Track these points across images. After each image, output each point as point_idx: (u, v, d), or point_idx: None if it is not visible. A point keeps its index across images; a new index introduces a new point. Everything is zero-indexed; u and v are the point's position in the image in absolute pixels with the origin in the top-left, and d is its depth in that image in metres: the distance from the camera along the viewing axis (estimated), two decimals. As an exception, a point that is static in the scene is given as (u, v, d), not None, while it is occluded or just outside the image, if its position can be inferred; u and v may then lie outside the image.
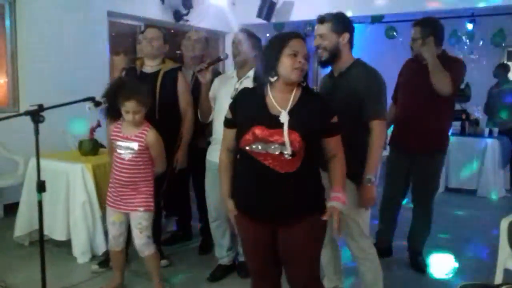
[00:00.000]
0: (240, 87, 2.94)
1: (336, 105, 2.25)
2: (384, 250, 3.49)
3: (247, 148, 1.87)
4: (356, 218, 2.44)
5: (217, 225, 3.21)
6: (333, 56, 2.41)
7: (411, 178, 3.40)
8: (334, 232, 1.94)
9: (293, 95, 1.90)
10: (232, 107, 2.02)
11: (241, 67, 3.02)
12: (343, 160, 1.99)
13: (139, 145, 2.69)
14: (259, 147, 1.84)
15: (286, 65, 1.85)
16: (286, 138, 1.80)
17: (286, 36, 1.91)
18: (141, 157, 2.72)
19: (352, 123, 2.28)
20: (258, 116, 1.89)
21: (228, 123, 2.03)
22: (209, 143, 3.16)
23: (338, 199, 1.92)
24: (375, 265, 2.54)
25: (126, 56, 4.10)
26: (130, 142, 2.69)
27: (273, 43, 1.93)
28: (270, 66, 1.88)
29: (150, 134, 2.71)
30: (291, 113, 1.85)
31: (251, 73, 2.97)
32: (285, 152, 1.79)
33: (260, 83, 1.96)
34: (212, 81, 3.09)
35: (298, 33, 1.97)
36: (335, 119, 1.93)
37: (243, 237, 2.11)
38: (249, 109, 1.95)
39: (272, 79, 1.89)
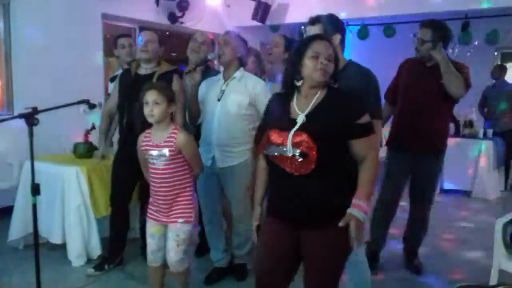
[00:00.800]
0: (226, 88, 2.96)
1: None
2: (372, 256, 3.40)
3: (265, 152, 1.93)
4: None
5: (211, 228, 3.21)
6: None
7: (411, 180, 3.37)
8: (350, 242, 1.84)
9: (316, 97, 1.90)
10: (265, 112, 2.09)
11: (226, 69, 3.03)
12: (372, 164, 1.89)
13: (170, 150, 2.44)
14: (274, 150, 1.87)
15: (309, 67, 1.87)
16: (289, 139, 1.81)
17: (308, 39, 1.94)
18: (175, 163, 2.47)
19: None
20: (277, 120, 1.92)
21: (259, 128, 2.07)
22: None
23: (358, 206, 1.82)
24: (364, 266, 2.52)
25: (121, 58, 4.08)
26: (161, 149, 2.46)
27: (297, 48, 1.96)
28: (295, 71, 1.92)
29: (179, 136, 2.45)
30: (310, 115, 1.86)
31: (237, 74, 3.00)
32: (296, 154, 1.79)
33: (287, 88, 1.99)
34: (200, 82, 3.11)
35: (320, 34, 2.01)
36: (364, 119, 1.86)
37: (265, 237, 2.06)
38: (274, 114, 1.99)
39: (298, 83, 1.92)
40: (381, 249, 3.51)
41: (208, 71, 3.37)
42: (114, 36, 4.22)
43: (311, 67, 1.86)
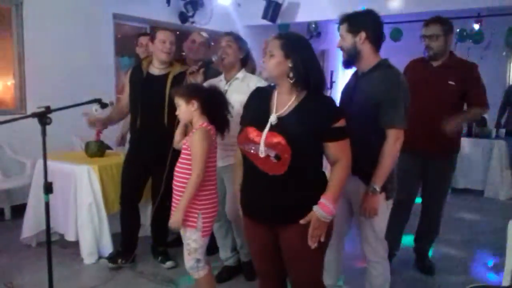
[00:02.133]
0: (229, 88, 2.96)
1: (353, 107, 2.21)
2: None
3: (241, 147, 1.94)
4: (372, 222, 2.36)
5: (219, 226, 3.20)
6: (352, 56, 2.31)
7: (424, 181, 3.31)
8: (309, 240, 1.85)
9: (294, 98, 1.89)
10: (245, 105, 2.07)
11: (228, 70, 3.02)
12: (345, 168, 1.89)
13: (183, 149, 2.38)
14: (251, 148, 1.87)
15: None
16: (262, 140, 1.82)
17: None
18: (186, 162, 2.36)
19: (368, 126, 2.22)
20: (255, 117, 1.93)
21: (240, 121, 2.05)
22: None
23: (322, 205, 1.83)
24: (386, 271, 2.49)
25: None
26: (184, 145, 2.40)
27: None
28: None
29: (195, 133, 2.34)
30: (286, 116, 1.86)
31: (239, 74, 2.99)
32: (271, 155, 1.79)
33: (269, 84, 2.01)
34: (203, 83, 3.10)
35: (278, 33, 2.00)
36: (340, 123, 1.85)
37: (248, 238, 2.14)
38: (253, 109, 1.99)
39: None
40: (394, 254, 3.44)
41: (208, 70, 3.38)
42: (136, 35, 4.25)
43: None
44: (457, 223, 4.69)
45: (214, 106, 2.41)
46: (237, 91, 2.92)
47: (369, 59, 2.31)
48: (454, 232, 4.39)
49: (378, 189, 2.23)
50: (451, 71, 3.12)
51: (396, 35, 7.02)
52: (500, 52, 7.32)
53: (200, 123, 2.38)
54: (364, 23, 2.29)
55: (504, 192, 5.83)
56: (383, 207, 2.33)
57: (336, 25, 6.90)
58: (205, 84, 3.08)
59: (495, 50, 7.06)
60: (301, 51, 1.89)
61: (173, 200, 2.43)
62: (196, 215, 2.34)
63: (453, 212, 4.96)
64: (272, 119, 1.86)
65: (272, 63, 1.88)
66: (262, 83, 2.99)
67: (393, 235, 3.39)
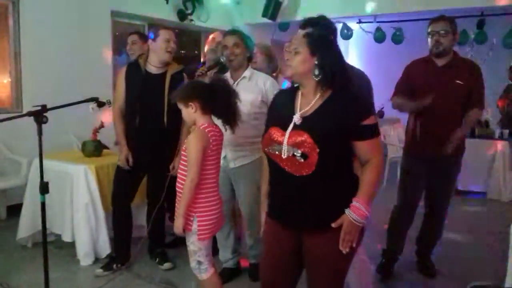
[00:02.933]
0: (236, 88, 2.90)
1: None
2: (387, 264, 3.39)
3: (265, 150, 1.87)
4: None
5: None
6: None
7: (429, 184, 3.25)
8: (340, 245, 1.78)
9: (318, 97, 1.83)
10: (269, 108, 2.07)
11: (235, 70, 2.98)
12: (376, 167, 1.81)
13: (183, 150, 2.34)
14: (275, 149, 1.81)
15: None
16: (285, 139, 1.77)
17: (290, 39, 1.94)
18: (185, 165, 2.31)
19: None
20: (279, 118, 1.87)
21: (265, 123, 2.00)
22: None
23: (354, 208, 1.75)
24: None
25: None
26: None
27: None
28: None
29: (190, 135, 2.31)
30: (310, 115, 1.80)
31: (246, 73, 2.95)
32: (297, 155, 1.73)
33: (293, 84, 1.96)
34: None
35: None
36: (369, 121, 1.78)
37: (268, 243, 2.03)
38: (277, 110, 1.94)
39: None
40: (397, 258, 3.41)
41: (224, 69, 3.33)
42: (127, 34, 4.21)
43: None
44: (460, 224, 4.65)
45: (216, 100, 2.33)
46: (245, 90, 2.87)
47: None
48: (456, 234, 4.35)
49: None
50: (457, 71, 3.07)
51: (399, 36, 7.00)
52: (502, 53, 7.30)
53: (200, 124, 2.33)
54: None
55: (507, 194, 5.80)
56: None
57: (339, 24, 6.88)
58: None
59: (497, 50, 7.03)
60: (327, 48, 1.84)
61: (176, 201, 2.38)
62: (191, 219, 2.30)
63: (456, 214, 4.91)
64: (296, 118, 1.80)
65: (298, 60, 1.82)
66: (271, 81, 2.96)
67: (396, 239, 3.37)
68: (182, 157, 2.34)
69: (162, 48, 3.08)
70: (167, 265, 3.37)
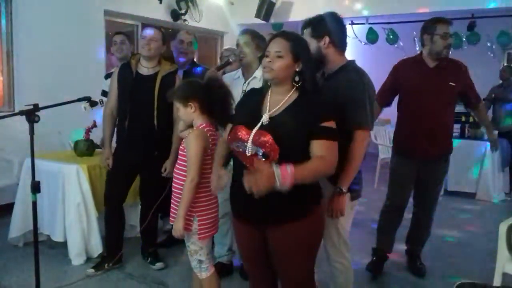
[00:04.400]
0: (247, 88, 2.93)
1: None
2: (378, 262, 3.42)
3: (230, 146, 1.92)
4: (336, 222, 2.36)
5: (221, 223, 3.17)
6: (317, 61, 2.27)
7: (417, 183, 3.29)
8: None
9: (285, 99, 1.87)
10: (237, 105, 2.10)
11: (247, 69, 3.01)
12: (325, 162, 1.79)
13: (180, 150, 2.36)
14: (239, 146, 1.85)
15: (262, 65, 1.92)
16: (250, 138, 1.80)
17: (268, 40, 1.95)
18: (183, 166, 2.32)
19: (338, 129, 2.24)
20: (246, 116, 1.91)
21: (231, 120, 2.04)
22: None
23: (283, 169, 1.67)
24: (349, 270, 2.50)
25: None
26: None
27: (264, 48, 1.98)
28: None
29: (189, 135, 2.28)
30: (277, 115, 1.84)
31: (257, 73, 2.96)
32: (259, 154, 1.76)
33: (265, 84, 1.99)
34: None
35: (280, 32, 1.97)
36: (328, 124, 1.81)
37: (238, 240, 2.12)
38: (246, 109, 1.97)
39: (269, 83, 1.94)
40: (387, 257, 3.45)
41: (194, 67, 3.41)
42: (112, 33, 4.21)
43: (262, 65, 1.89)
44: (449, 225, 4.69)
45: (213, 102, 2.33)
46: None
47: (334, 61, 2.32)
48: (446, 234, 4.39)
49: (344, 190, 2.22)
50: (449, 72, 3.12)
51: (392, 38, 7.04)
52: (494, 54, 7.38)
53: (198, 124, 2.33)
54: (327, 26, 2.31)
55: (496, 195, 5.86)
56: (348, 208, 2.31)
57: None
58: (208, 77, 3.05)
59: (489, 51, 7.11)
60: (307, 55, 1.90)
61: (172, 201, 2.39)
62: (191, 219, 2.29)
63: (445, 214, 4.97)
64: (264, 118, 1.84)
65: (281, 65, 1.84)
66: None
67: (386, 238, 3.41)
68: (180, 157, 2.35)
69: (141, 45, 3.13)
70: (159, 264, 3.38)
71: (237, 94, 2.95)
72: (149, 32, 3.13)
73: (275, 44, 1.86)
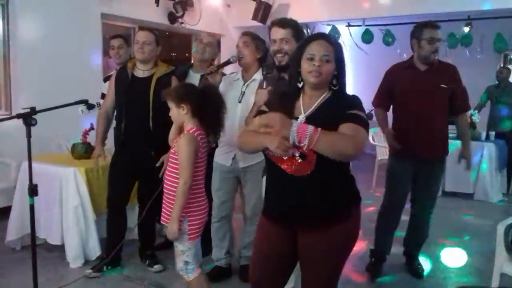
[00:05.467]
0: (246, 90, 2.95)
1: None
2: (376, 263, 3.44)
3: (266, 151, 1.86)
4: None
5: (219, 226, 3.19)
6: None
7: (414, 184, 3.30)
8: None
9: (319, 99, 1.86)
10: (268, 102, 2.04)
11: (246, 70, 3.02)
12: (347, 138, 1.70)
13: (172, 153, 2.39)
14: None
15: (304, 70, 1.85)
16: (290, 136, 1.71)
17: (307, 39, 1.90)
18: (173, 166, 2.36)
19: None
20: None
21: (260, 114, 1.96)
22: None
23: (311, 130, 1.66)
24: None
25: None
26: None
27: (297, 48, 1.94)
28: (296, 72, 1.90)
29: (181, 139, 2.33)
30: (311, 116, 1.83)
31: (257, 75, 2.97)
32: (296, 155, 1.73)
33: (292, 87, 1.96)
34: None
35: (321, 34, 1.94)
36: (355, 111, 1.79)
37: (260, 240, 2.04)
38: (278, 110, 1.90)
39: (300, 85, 1.91)
40: (385, 258, 3.46)
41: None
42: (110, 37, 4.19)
43: (307, 68, 1.83)
44: (447, 226, 4.70)
45: (206, 108, 2.37)
46: (254, 93, 2.83)
47: None
48: (444, 235, 4.39)
49: None
50: (440, 75, 3.15)
51: (389, 39, 7.06)
52: (489, 55, 7.40)
53: (188, 127, 2.36)
54: (302, 32, 2.41)
55: (493, 195, 5.87)
56: None
57: (327, 27, 6.94)
58: (222, 81, 3.08)
59: (485, 53, 7.14)
60: (343, 58, 1.90)
61: (163, 203, 2.41)
62: (182, 220, 2.32)
63: (443, 215, 4.97)
64: (301, 119, 1.82)
65: (329, 69, 1.83)
66: None
67: (384, 239, 3.41)
68: (171, 160, 2.36)
69: (135, 49, 3.14)
70: (157, 267, 3.37)
71: (235, 96, 2.97)
72: (142, 35, 3.14)
73: (321, 47, 1.82)
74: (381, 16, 6.42)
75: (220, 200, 3.16)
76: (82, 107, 2.87)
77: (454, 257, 3.87)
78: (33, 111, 2.38)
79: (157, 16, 6.31)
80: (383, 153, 6.35)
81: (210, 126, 2.42)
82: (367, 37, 7.09)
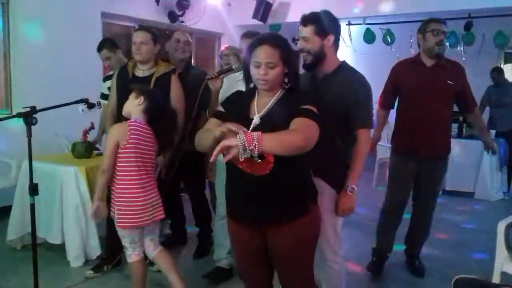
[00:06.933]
0: None
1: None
2: (378, 262, 3.44)
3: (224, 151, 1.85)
4: (335, 225, 2.39)
5: (222, 224, 3.15)
6: (318, 59, 2.30)
7: (416, 183, 3.30)
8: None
9: (273, 99, 1.87)
10: (224, 103, 2.02)
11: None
12: (294, 133, 1.68)
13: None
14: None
15: (252, 75, 1.86)
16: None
17: (252, 44, 1.86)
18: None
19: (336, 130, 2.24)
20: (235, 119, 1.85)
21: (216, 115, 1.98)
22: None
23: (247, 133, 1.60)
24: (342, 269, 2.51)
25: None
26: None
27: (246, 51, 1.91)
28: (247, 75, 1.90)
29: (111, 128, 2.57)
30: (265, 116, 1.84)
31: None
32: (254, 155, 1.69)
33: (248, 87, 1.98)
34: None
35: (265, 38, 1.88)
36: (306, 106, 1.79)
37: (233, 241, 2.09)
38: (234, 111, 1.94)
39: (251, 85, 1.93)
40: (387, 256, 3.47)
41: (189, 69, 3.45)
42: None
43: (254, 75, 1.84)
44: (448, 224, 4.70)
45: (160, 120, 2.59)
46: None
47: (332, 61, 2.33)
48: (445, 233, 4.40)
49: (355, 188, 2.28)
50: (446, 71, 3.14)
51: (389, 38, 7.05)
52: (491, 54, 7.40)
53: (133, 119, 2.53)
54: (332, 25, 2.31)
55: (494, 194, 5.87)
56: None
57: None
58: (226, 80, 3.05)
59: (487, 51, 7.13)
60: (292, 55, 1.88)
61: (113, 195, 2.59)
62: (112, 208, 2.54)
63: (444, 213, 4.98)
64: (255, 120, 1.83)
65: (275, 75, 1.82)
66: None
67: (385, 238, 3.41)
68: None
69: (134, 50, 3.12)
70: (157, 266, 3.37)
71: None
72: (139, 35, 3.12)
73: (264, 54, 1.81)
74: (381, 15, 6.41)
75: (222, 197, 3.15)
76: (82, 106, 2.87)
77: (454, 255, 3.87)
78: (33, 110, 2.38)
79: (157, 15, 6.31)
80: (383, 151, 6.35)
81: (161, 139, 2.61)
82: (369, 37, 7.09)
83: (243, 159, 1.65)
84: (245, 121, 1.83)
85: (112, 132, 2.48)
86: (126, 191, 2.48)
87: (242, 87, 2.95)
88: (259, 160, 1.74)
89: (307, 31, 2.29)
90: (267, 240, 1.94)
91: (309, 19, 2.30)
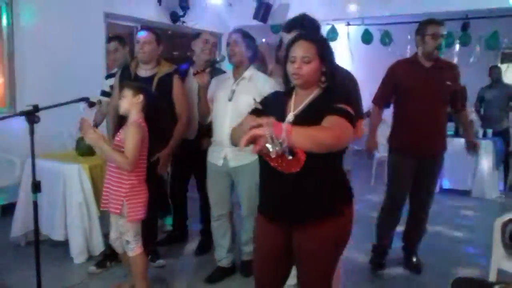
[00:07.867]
0: (236, 88, 2.95)
1: None
2: (378, 259, 3.50)
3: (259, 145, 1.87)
4: None
5: (218, 225, 3.19)
6: None
7: (414, 180, 3.32)
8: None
9: (309, 98, 1.88)
10: (262, 102, 2.01)
11: (236, 68, 3.02)
12: (326, 131, 1.65)
13: (117, 141, 2.69)
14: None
15: (288, 72, 1.88)
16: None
17: (290, 42, 1.91)
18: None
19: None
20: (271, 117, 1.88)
21: (254, 112, 1.96)
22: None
23: (275, 122, 1.53)
24: (339, 267, 2.51)
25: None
26: None
27: (285, 50, 1.94)
28: (285, 73, 1.93)
29: (129, 127, 2.61)
30: (300, 114, 1.85)
31: (246, 73, 2.98)
32: (285, 152, 1.68)
33: (287, 86, 1.99)
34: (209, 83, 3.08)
35: (301, 35, 1.94)
36: (342, 105, 1.78)
37: (259, 237, 2.09)
38: (271, 109, 1.93)
39: (291, 84, 1.94)
40: (388, 252, 3.52)
41: (214, 70, 3.36)
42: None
43: (290, 71, 1.86)
44: (445, 222, 4.73)
45: (156, 117, 2.73)
46: (245, 91, 2.89)
47: None
48: (442, 230, 4.43)
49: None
50: (444, 72, 3.18)
51: (387, 39, 7.08)
52: (488, 54, 7.41)
53: (136, 118, 2.61)
54: (318, 31, 2.43)
55: (491, 192, 5.90)
56: None
57: (327, 26, 6.96)
58: (213, 81, 3.11)
59: (483, 52, 7.15)
60: (331, 55, 1.90)
61: (105, 187, 2.69)
62: (120, 202, 2.59)
63: (441, 211, 5.01)
64: (289, 117, 1.85)
65: (310, 70, 1.83)
66: (270, 83, 2.94)
67: (386, 235, 3.46)
68: (116, 149, 2.59)
69: (137, 49, 3.16)
70: (159, 262, 3.42)
71: (225, 95, 2.95)
72: (142, 35, 3.15)
73: (300, 49, 1.84)
74: (378, 16, 6.44)
75: (214, 199, 3.16)
76: (83, 104, 2.90)
77: (451, 253, 3.90)
78: (36, 108, 2.41)
79: (159, 15, 6.35)
80: (381, 150, 6.37)
81: (154, 137, 2.73)
82: (366, 37, 7.12)
83: (274, 155, 1.62)
84: (281, 120, 1.80)
85: (138, 129, 2.56)
86: (137, 185, 2.63)
87: (228, 86, 2.99)
88: (290, 157, 1.73)
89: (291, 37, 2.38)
90: (292, 241, 1.94)
91: (291, 25, 2.43)
